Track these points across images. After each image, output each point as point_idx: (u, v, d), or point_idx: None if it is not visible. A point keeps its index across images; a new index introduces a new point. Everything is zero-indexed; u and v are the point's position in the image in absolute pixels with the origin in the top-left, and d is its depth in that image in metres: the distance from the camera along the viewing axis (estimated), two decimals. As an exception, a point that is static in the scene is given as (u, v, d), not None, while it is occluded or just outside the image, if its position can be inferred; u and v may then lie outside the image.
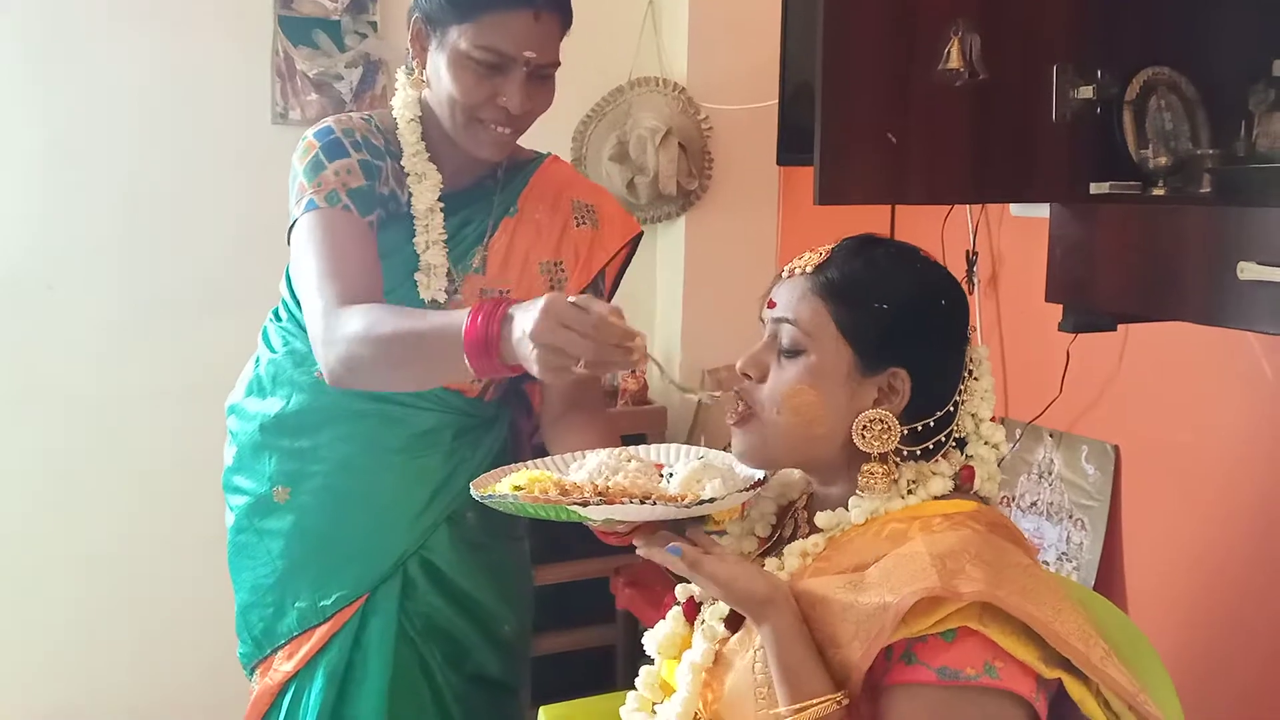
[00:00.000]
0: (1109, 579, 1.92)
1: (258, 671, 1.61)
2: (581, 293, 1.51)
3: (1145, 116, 1.44)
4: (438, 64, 1.44)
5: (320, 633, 1.53)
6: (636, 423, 2.65)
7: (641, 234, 1.65)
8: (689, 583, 1.17)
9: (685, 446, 1.33)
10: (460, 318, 1.21)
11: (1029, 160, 1.39)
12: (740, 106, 2.78)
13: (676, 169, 2.71)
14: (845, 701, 1.00)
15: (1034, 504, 2.07)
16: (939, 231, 2.21)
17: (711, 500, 1.11)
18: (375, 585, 1.53)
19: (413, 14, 1.47)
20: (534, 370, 1.14)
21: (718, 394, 1.26)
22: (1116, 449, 1.92)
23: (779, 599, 1.04)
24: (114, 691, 2.57)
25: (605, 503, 1.09)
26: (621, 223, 1.63)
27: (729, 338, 2.78)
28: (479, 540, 1.58)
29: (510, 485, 1.14)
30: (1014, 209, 2.13)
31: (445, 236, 1.50)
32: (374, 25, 2.59)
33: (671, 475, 1.19)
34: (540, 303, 1.13)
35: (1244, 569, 1.72)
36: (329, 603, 1.53)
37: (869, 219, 2.38)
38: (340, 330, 1.30)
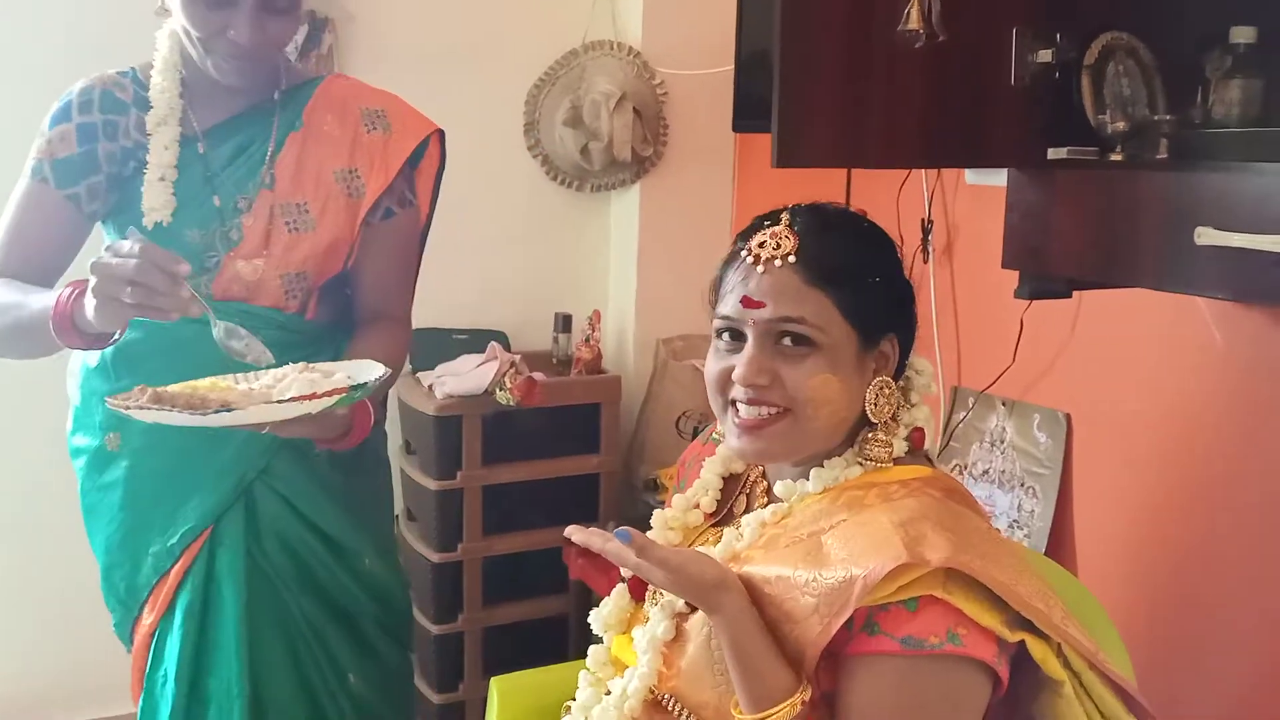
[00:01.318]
0: (1059, 545, 1.94)
1: (134, 638, 1.59)
2: (381, 199, 1.56)
3: (1103, 82, 1.43)
4: None
5: (174, 573, 1.54)
6: (591, 391, 2.62)
7: (442, 132, 1.64)
8: None
9: (375, 365, 1.36)
10: (54, 297, 1.32)
11: (987, 124, 1.38)
12: (696, 72, 2.74)
13: (631, 135, 2.67)
14: (806, 697, 0.99)
15: (986, 472, 2.08)
16: (894, 200, 2.20)
17: (229, 410, 1.20)
18: (218, 515, 1.53)
19: None
20: (96, 320, 1.26)
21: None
22: (1068, 417, 1.94)
23: (729, 584, 1.03)
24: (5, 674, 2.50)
25: (143, 408, 1.20)
26: (415, 121, 1.61)
27: (684, 307, 2.76)
28: (326, 472, 1.58)
29: (150, 391, 1.25)
30: (969, 176, 2.12)
31: (175, 166, 1.50)
32: (320, -18, 2.51)
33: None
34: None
35: (1191, 534, 1.74)
36: (176, 540, 1.53)
37: (825, 186, 2.37)
38: None
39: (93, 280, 1.23)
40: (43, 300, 1.36)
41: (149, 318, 1.25)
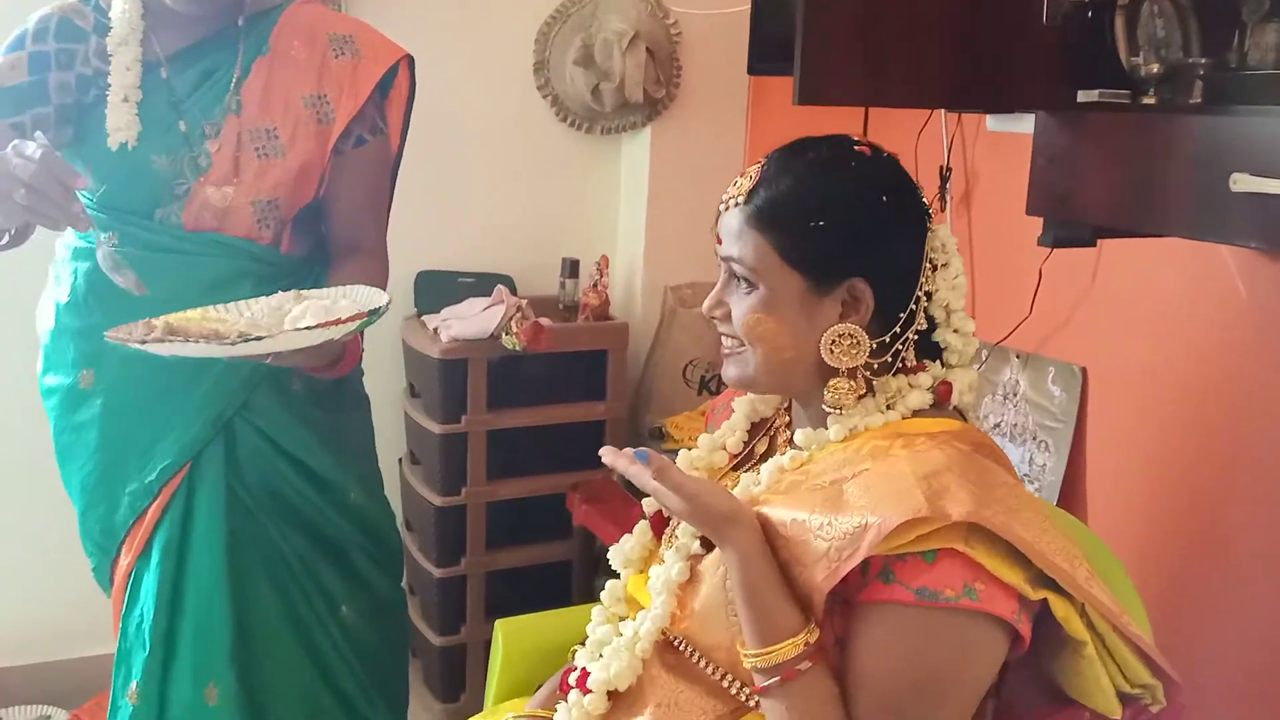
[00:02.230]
0: (1071, 500, 1.92)
1: (114, 581, 1.59)
2: (352, 127, 1.54)
3: (1138, 23, 1.38)
4: None
5: (151, 511, 1.53)
6: (598, 338, 2.59)
7: (411, 59, 1.61)
8: None
9: (368, 290, 1.37)
10: None
11: (1016, 65, 1.34)
12: (711, 11, 2.67)
13: (644, 75, 2.61)
14: (811, 639, 0.97)
15: (998, 425, 2.05)
16: (913, 145, 2.15)
17: (259, 339, 1.20)
18: (197, 451, 1.52)
19: None
20: None
21: None
22: (1084, 370, 1.90)
23: (742, 518, 1.02)
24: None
25: (159, 341, 1.20)
26: (384, 47, 1.59)
27: (694, 253, 2.73)
28: (305, 407, 1.58)
29: (145, 325, 1.25)
30: (990, 123, 2.07)
31: (139, 88, 1.48)
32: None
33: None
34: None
35: (1207, 491, 1.72)
36: (154, 478, 1.52)
37: (840, 130, 2.31)
38: None
39: None
40: None
41: (39, 224, 1.25)
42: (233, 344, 1.20)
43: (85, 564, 1.65)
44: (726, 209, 1.11)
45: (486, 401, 2.46)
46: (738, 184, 1.11)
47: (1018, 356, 2.01)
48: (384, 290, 1.60)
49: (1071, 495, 1.92)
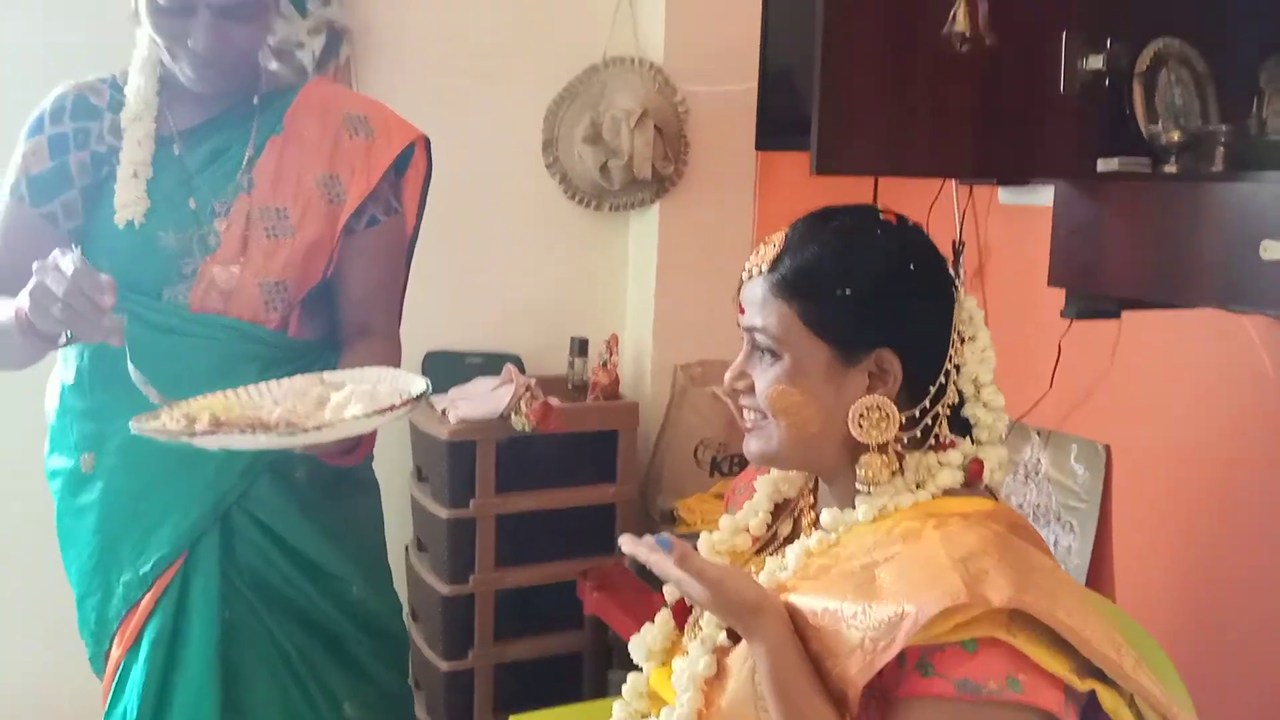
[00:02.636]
0: (1098, 584, 1.85)
1: (106, 672, 1.53)
2: (364, 206, 1.53)
3: (1155, 91, 1.37)
4: (139, 1, 1.43)
5: (144, 603, 1.48)
6: (608, 418, 2.54)
7: (427, 140, 1.60)
8: None
9: (383, 370, 1.35)
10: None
11: (1035, 133, 1.32)
12: (719, 88, 2.68)
13: (652, 152, 2.61)
14: None
15: (1020, 505, 1.99)
16: (924, 219, 2.13)
17: (319, 429, 1.18)
18: (194, 541, 1.48)
19: None
20: (35, 323, 1.26)
21: None
22: (1107, 448, 1.85)
23: (769, 607, 0.97)
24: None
25: (211, 433, 1.18)
26: (399, 127, 1.57)
27: (704, 331, 2.70)
28: (309, 497, 1.53)
29: (181, 414, 1.22)
30: (1003, 196, 2.05)
31: (149, 164, 1.47)
32: (336, -6, 2.47)
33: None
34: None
35: (1239, 575, 1.65)
36: (149, 568, 1.48)
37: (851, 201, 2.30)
38: None
39: (31, 283, 1.24)
40: (4, 312, 1.34)
41: (75, 335, 1.26)
42: (292, 434, 1.18)
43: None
44: (750, 277, 1.08)
45: (495, 484, 2.40)
46: (761, 252, 1.08)
47: (1038, 434, 1.96)
48: None
49: (1099, 578, 1.85)
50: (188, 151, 1.49)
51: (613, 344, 2.66)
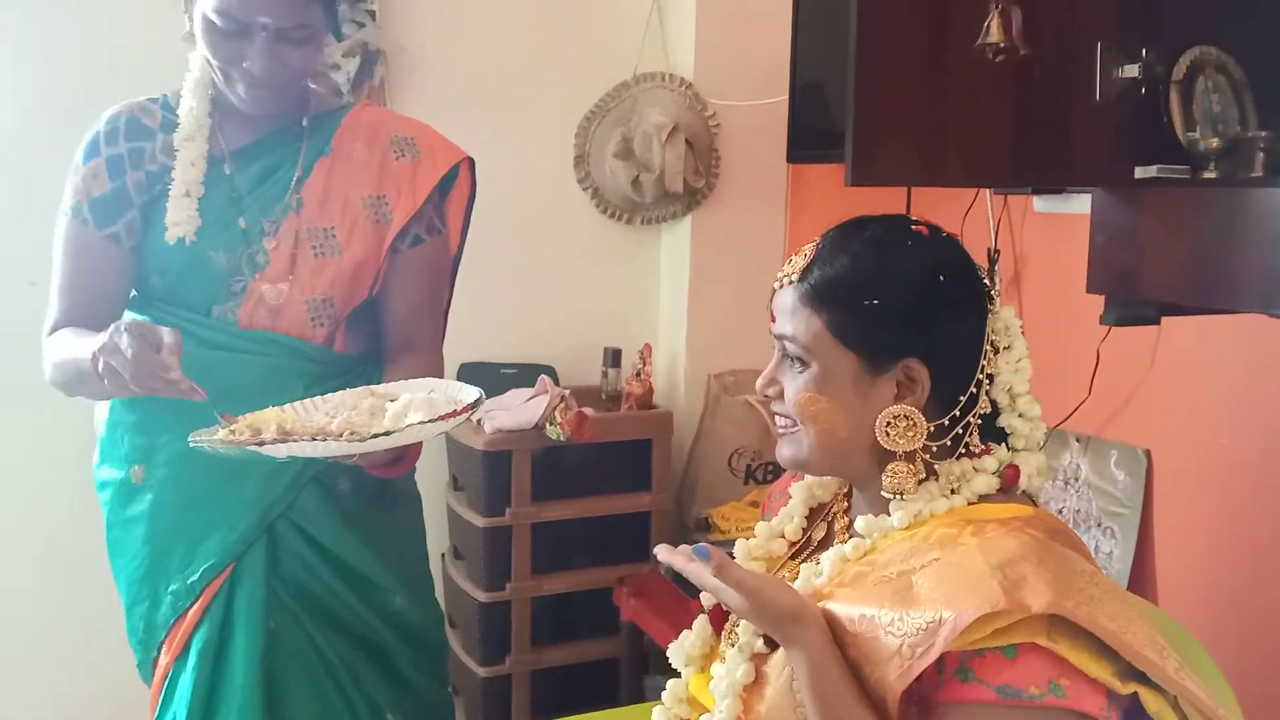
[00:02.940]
0: (1141, 589, 1.84)
1: (153, 679, 1.56)
2: (409, 226, 1.55)
3: (1192, 98, 1.37)
4: (196, 24, 1.44)
5: (193, 612, 1.50)
6: (642, 427, 2.56)
7: (471, 161, 1.62)
8: None
9: (430, 380, 1.39)
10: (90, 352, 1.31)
11: (1071, 142, 1.32)
12: (749, 103, 2.70)
13: (683, 166, 2.63)
14: None
15: (1060, 511, 1.98)
16: (959, 228, 2.14)
17: (387, 434, 1.20)
18: (240, 552, 1.50)
19: None
20: (116, 394, 1.31)
21: None
22: (1148, 453, 1.84)
23: (807, 615, 0.98)
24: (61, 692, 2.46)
25: (280, 441, 1.20)
26: (444, 149, 1.60)
27: (736, 341, 2.72)
28: (353, 508, 1.55)
29: (245, 425, 1.24)
30: (1038, 204, 2.05)
31: (201, 183, 1.50)
32: (372, 14, 2.50)
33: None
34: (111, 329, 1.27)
35: (1285, 579, 1.64)
36: (196, 578, 1.50)
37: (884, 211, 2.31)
38: (45, 354, 1.49)
39: (100, 363, 1.26)
40: (85, 348, 1.36)
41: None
42: (361, 440, 1.20)
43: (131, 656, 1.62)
44: (781, 286, 1.10)
45: (531, 493, 2.42)
46: (793, 262, 1.10)
47: (1078, 440, 1.96)
48: None
49: (1141, 583, 1.84)
50: (238, 171, 1.52)
51: (646, 354, 2.68)
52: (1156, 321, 1.43)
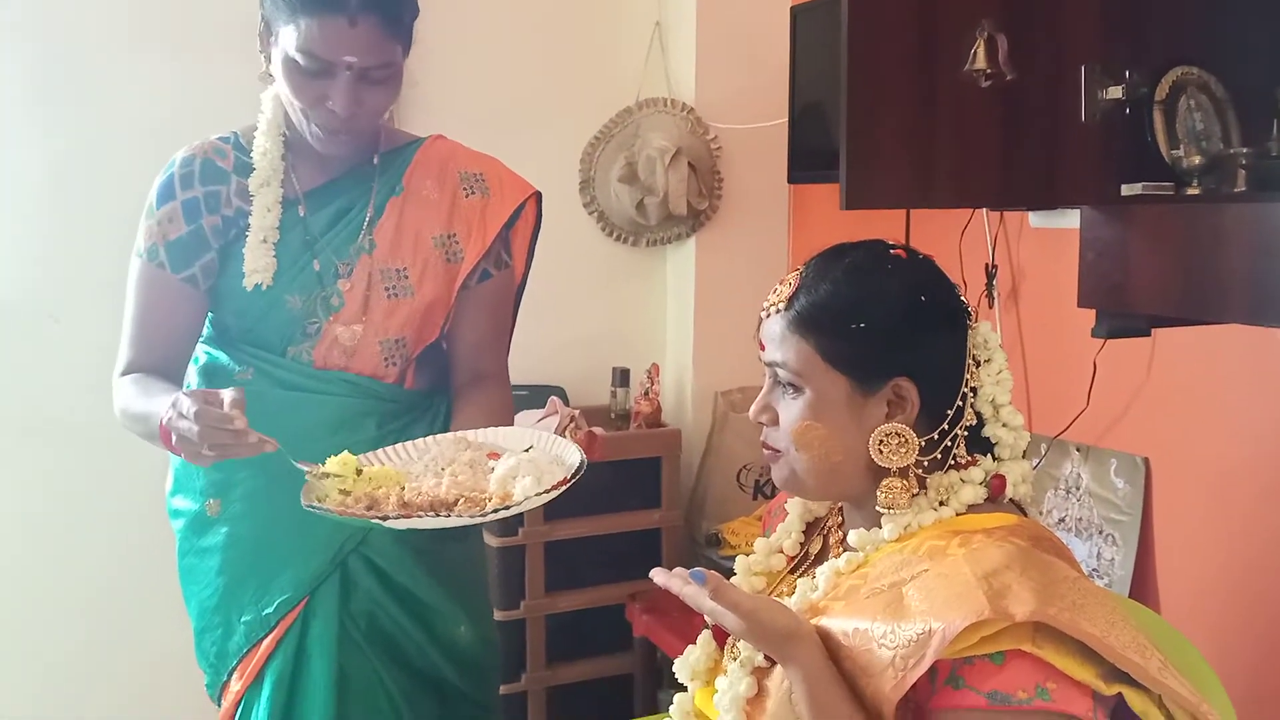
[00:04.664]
0: (1142, 594, 1.87)
1: (223, 700, 1.57)
2: (481, 262, 1.57)
3: (1175, 117, 1.41)
4: (276, 63, 1.44)
5: (266, 643, 1.51)
6: (651, 445, 2.60)
7: (539, 194, 1.64)
8: None
9: (525, 431, 1.41)
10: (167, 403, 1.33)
11: (1059, 162, 1.37)
12: (749, 126, 2.75)
13: (686, 189, 2.68)
14: None
15: (1062, 519, 2.02)
16: (957, 244, 2.18)
17: (507, 507, 1.22)
18: (314, 586, 1.51)
19: (260, 11, 1.47)
20: (191, 462, 1.33)
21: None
22: (1147, 461, 1.88)
23: (802, 634, 1.01)
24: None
25: (404, 516, 1.23)
26: (513, 185, 1.62)
27: (742, 360, 2.75)
28: (425, 543, 1.55)
29: (337, 487, 1.28)
30: (1033, 220, 2.10)
31: (278, 228, 1.51)
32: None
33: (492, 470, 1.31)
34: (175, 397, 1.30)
35: (1284, 582, 1.67)
36: (271, 610, 1.51)
37: (883, 234, 2.35)
38: (115, 399, 1.50)
39: (174, 435, 1.29)
40: (156, 403, 1.38)
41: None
42: (482, 515, 1.22)
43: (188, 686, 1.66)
44: (768, 315, 1.13)
45: (543, 512, 2.47)
46: (778, 291, 1.13)
47: (1078, 449, 2.00)
48: (511, 414, 1.63)
49: (1143, 589, 1.88)
50: (311, 213, 1.52)
51: (654, 373, 2.73)
52: (1147, 333, 1.47)
